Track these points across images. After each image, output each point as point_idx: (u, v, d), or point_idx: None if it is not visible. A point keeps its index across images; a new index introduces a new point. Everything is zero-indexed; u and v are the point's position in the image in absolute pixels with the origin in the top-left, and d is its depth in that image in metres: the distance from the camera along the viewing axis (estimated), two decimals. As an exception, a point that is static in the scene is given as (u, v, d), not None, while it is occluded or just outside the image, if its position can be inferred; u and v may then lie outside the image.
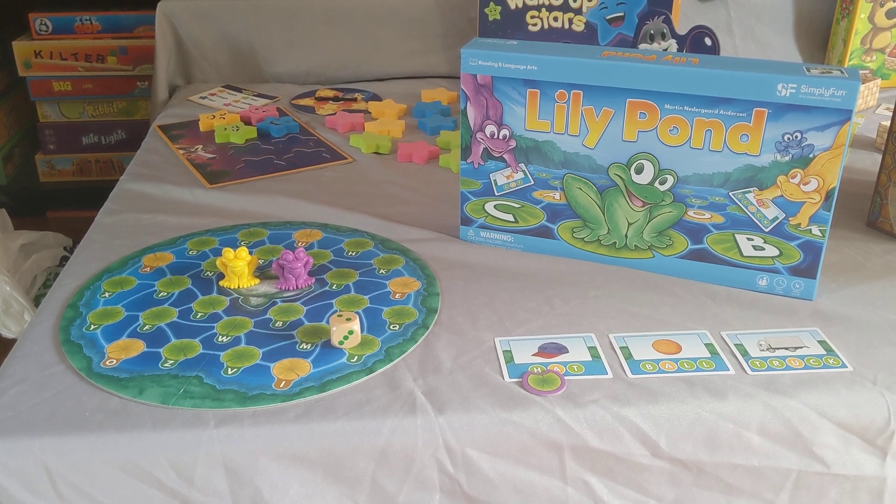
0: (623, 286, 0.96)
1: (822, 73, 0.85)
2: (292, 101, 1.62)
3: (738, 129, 0.89)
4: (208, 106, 1.60)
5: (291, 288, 0.95)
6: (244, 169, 1.30)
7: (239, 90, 1.68)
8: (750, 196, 0.91)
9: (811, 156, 0.87)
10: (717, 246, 0.95)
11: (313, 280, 0.97)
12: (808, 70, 0.86)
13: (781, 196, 0.90)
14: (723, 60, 0.91)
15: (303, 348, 0.84)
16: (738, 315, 0.90)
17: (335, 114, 1.53)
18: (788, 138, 0.87)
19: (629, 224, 0.97)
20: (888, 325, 0.88)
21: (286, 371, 0.81)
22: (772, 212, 0.91)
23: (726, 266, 0.95)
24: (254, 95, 1.65)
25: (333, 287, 0.96)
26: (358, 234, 1.09)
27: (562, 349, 0.85)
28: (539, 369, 0.81)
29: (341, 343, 0.84)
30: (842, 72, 0.86)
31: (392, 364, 0.82)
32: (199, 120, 1.48)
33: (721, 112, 0.88)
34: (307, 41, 1.72)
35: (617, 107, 0.92)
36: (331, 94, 1.65)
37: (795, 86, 0.85)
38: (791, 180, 0.89)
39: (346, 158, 1.34)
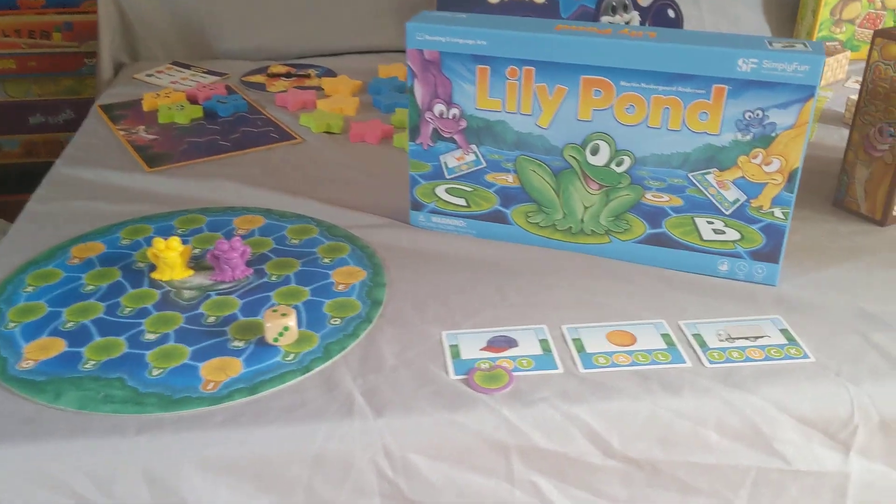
0: (579, 273, 0.92)
1: (785, 47, 0.81)
2: (242, 79, 1.55)
3: (696, 107, 0.84)
4: (154, 84, 1.53)
5: (227, 279, 0.90)
6: (187, 151, 1.24)
7: (187, 67, 1.61)
8: (710, 177, 0.87)
9: (773, 135, 0.83)
10: (676, 230, 0.90)
11: (251, 271, 0.91)
12: (771, 44, 0.82)
13: (742, 177, 0.86)
14: (681, 34, 0.87)
15: (235, 346, 0.79)
16: (698, 302, 0.86)
17: (286, 91, 1.46)
18: (749, 116, 0.83)
19: (585, 208, 0.93)
20: (853, 312, 0.85)
21: (215, 371, 0.76)
22: (732, 194, 0.87)
23: (686, 251, 0.91)
24: (203, 73, 1.58)
25: (273, 278, 0.91)
26: (303, 219, 1.03)
27: (511, 343, 0.80)
28: (487, 365, 0.77)
29: (276, 340, 0.79)
30: (805, 45, 0.81)
31: (330, 362, 0.78)
32: (142, 99, 1.41)
33: (679, 89, 0.84)
34: (259, 15, 1.65)
35: (571, 84, 0.87)
36: (283, 70, 1.59)
37: (756, 61, 0.80)
38: (752, 161, 0.85)
39: (296, 138, 1.29)
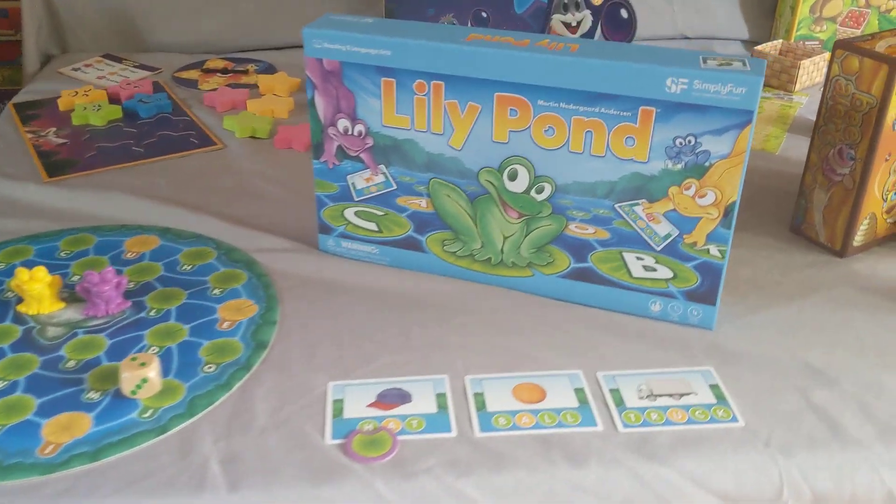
0: (495, 311, 0.83)
1: (721, 65, 0.71)
2: (174, 74, 1.45)
3: (622, 131, 0.75)
4: (79, 79, 1.44)
5: (101, 314, 0.81)
6: (94, 158, 1.14)
7: (119, 60, 1.51)
8: (638, 209, 0.78)
9: (707, 164, 0.74)
10: (603, 265, 0.81)
11: (129, 304, 0.82)
12: (705, 61, 0.72)
13: (674, 210, 0.76)
14: (606, 47, 0.77)
15: (89, 398, 0.71)
16: (621, 350, 0.77)
17: (216, 90, 1.37)
18: (681, 143, 0.73)
19: (504, 238, 0.84)
20: (795, 364, 0.76)
21: (59, 431, 0.67)
22: (664, 228, 0.78)
23: (615, 288, 0.82)
24: (134, 66, 1.48)
25: (152, 313, 0.82)
26: (201, 241, 0.94)
27: (405, 397, 0.71)
28: (371, 426, 0.68)
29: (133, 393, 0.70)
30: (744, 63, 0.72)
31: (192, 420, 0.69)
32: (60, 97, 1.32)
33: (602, 110, 0.74)
34: (197, 3, 1.55)
35: (484, 102, 0.78)
36: (220, 64, 1.49)
37: (687, 81, 0.71)
38: (685, 192, 0.75)
39: (216, 144, 1.19)
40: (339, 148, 0.86)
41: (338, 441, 0.67)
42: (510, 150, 0.79)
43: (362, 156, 0.85)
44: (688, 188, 0.75)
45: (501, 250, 0.84)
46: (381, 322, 0.81)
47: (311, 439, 0.67)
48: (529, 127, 0.77)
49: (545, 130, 0.77)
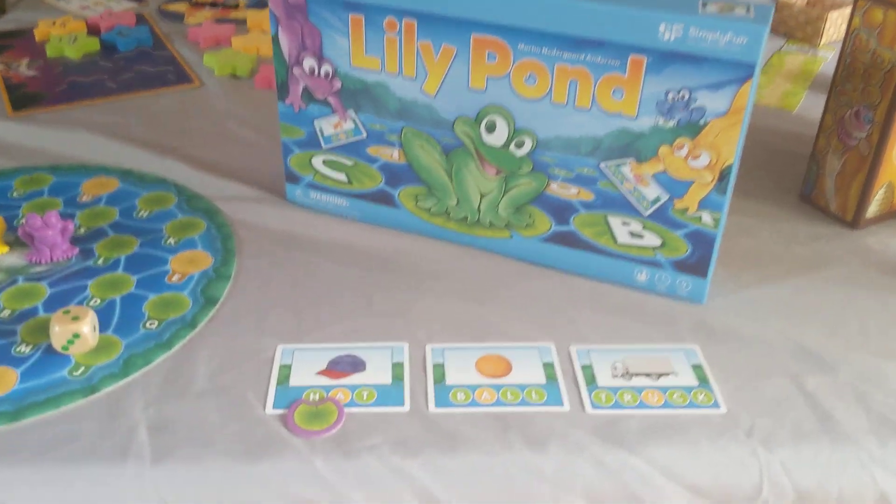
0: (467, 274, 0.77)
1: (722, 9, 0.64)
2: (161, 7, 1.39)
3: (609, 82, 0.68)
4: (62, 9, 1.37)
5: (44, 261, 0.76)
6: (64, 92, 1.09)
7: (105, -11, 1.44)
8: (625, 170, 0.71)
9: (702, 122, 0.67)
10: (586, 229, 0.75)
11: (76, 250, 0.77)
12: (704, 6, 0.65)
13: (664, 172, 0.70)
14: (598, -13, 0.70)
15: (20, 351, 0.66)
16: (600, 322, 0.72)
17: (201, 25, 1.30)
18: (673, 98, 0.66)
19: (481, 195, 0.77)
20: (789, 346, 0.69)
21: (-20, 387, 0.62)
22: (652, 191, 0.71)
23: (598, 254, 0.76)
24: (120, -4, 1.42)
25: (99, 261, 0.77)
26: (163, 186, 0.89)
27: (358, 365, 0.66)
28: (317, 396, 0.63)
29: (65, 349, 0.65)
30: (748, 10, 0.64)
31: (125, 381, 0.64)
32: (36, 27, 1.26)
33: (588, 58, 0.67)
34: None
35: (460, 44, 0.71)
36: (210, -3, 1.42)
37: (682, 27, 0.63)
38: (676, 152, 0.69)
39: (193, 82, 1.13)
40: (305, 90, 0.79)
41: (279, 411, 0.62)
42: (488, 99, 0.72)
43: (330, 99, 0.79)
44: (680, 148, 0.68)
45: (478, 209, 0.78)
46: (343, 282, 0.76)
47: (251, 408, 0.62)
48: (509, 73, 0.70)
49: (526, 78, 0.70)
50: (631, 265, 0.75)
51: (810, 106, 1.13)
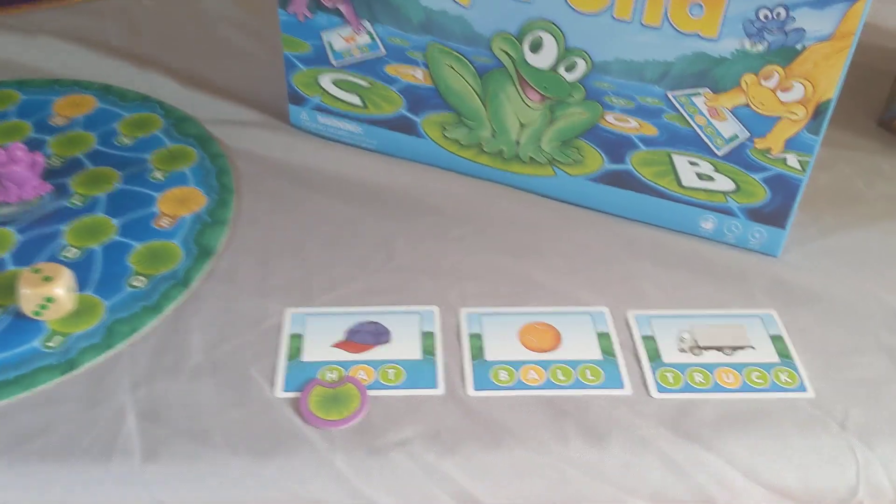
0: (503, 220, 0.67)
1: None
2: None
3: (688, -5, 0.56)
4: None
5: (12, 200, 0.65)
6: (31, -11, 0.95)
7: None
8: (698, 101, 0.60)
9: (799, 47, 0.55)
10: (645, 169, 0.64)
11: (50, 188, 0.67)
12: None
13: (746, 105, 0.59)
14: None
15: (-17, 317, 0.56)
16: (661, 280, 0.62)
17: None
18: (766, 16, 0.55)
19: (522, 126, 0.66)
20: (878, 311, 0.60)
21: (-64, 364, 0.53)
22: (729, 127, 0.60)
23: (657, 198, 0.65)
24: None
25: (76, 201, 0.66)
26: (147, 105, 0.77)
27: (381, 335, 0.57)
28: (334, 374, 0.54)
29: (37, 314, 0.56)
30: None
31: (109, 354, 0.55)
32: None
33: (663, -35, 0.55)
34: None
35: (503, -57, 0.58)
36: None
37: (788, -72, 0.51)
38: (763, 82, 0.57)
39: (179, -22, 0.99)
40: (314, -4, 0.67)
41: (290, 394, 0.53)
42: (534, 12, 0.60)
43: (340, 7, 0.66)
44: (768, 77, 0.57)
45: (517, 141, 0.67)
46: (359, 229, 0.66)
47: (257, 389, 0.53)
48: (563, -18, 0.58)
49: (584, -12, 0.58)
50: (696, 212, 0.65)
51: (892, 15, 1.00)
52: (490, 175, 0.70)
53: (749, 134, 0.60)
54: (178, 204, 0.66)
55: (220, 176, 0.69)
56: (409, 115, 0.70)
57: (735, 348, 0.57)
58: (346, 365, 0.54)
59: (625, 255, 0.64)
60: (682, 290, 0.61)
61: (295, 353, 0.55)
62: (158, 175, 0.69)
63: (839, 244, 0.66)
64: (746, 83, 0.58)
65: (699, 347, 0.57)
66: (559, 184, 0.68)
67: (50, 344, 0.55)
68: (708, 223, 0.65)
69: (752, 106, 0.58)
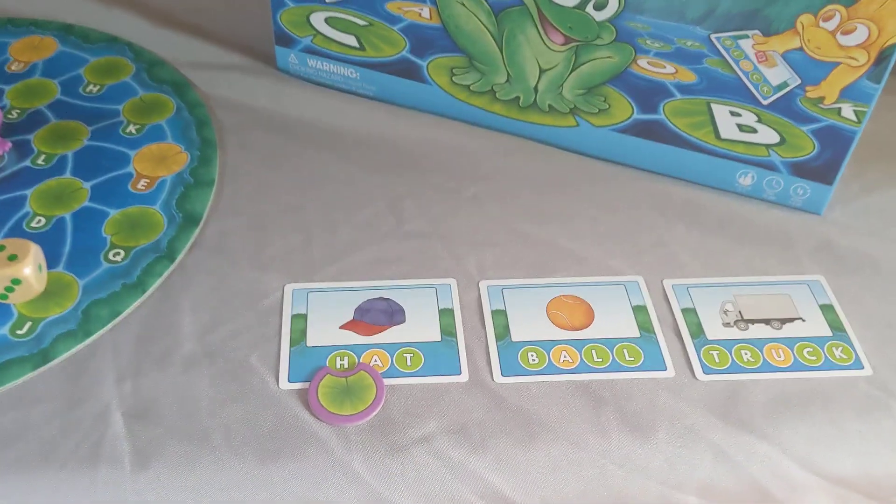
0: (522, 177, 0.61)
1: None
2: None
3: (742, -77, 0.49)
4: None
5: (-34, 162, 0.58)
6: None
7: None
8: (745, 44, 0.53)
9: (868, -16, 0.49)
10: (679, 119, 0.58)
11: (9, 145, 0.59)
12: None
13: (800, 49, 0.52)
14: None
15: (-60, 301, 0.50)
16: (697, 243, 0.57)
17: None
18: (833, -52, 0.48)
19: (542, 71, 0.60)
20: (938, 276, 0.56)
21: None
22: (779, 73, 0.54)
23: (692, 152, 0.59)
24: None
25: (40, 161, 0.59)
26: (115, 48, 0.69)
27: (395, 314, 0.51)
28: (345, 361, 0.48)
29: (3, 297, 0.49)
30: None
31: (88, 342, 0.48)
32: None
33: None
34: None
35: None
36: None
37: None
38: (822, 24, 0.51)
39: None
40: (305, -77, 0.59)
41: (297, 385, 0.47)
42: (562, -57, 0.53)
43: (338, -63, 0.59)
44: (828, 18, 0.51)
45: (535, 88, 0.61)
46: (361, 188, 0.59)
47: (259, 381, 0.47)
48: None
49: (620, -86, 0.51)
50: (733, 166, 0.59)
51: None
52: (504, 126, 0.64)
53: (800, 81, 0.54)
54: (156, 163, 0.59)
55: (201, 129, 0.62)
56: (412, 58, 0.63)
57: (784, 321, 0.52)
58: (357, 350, 0.49)
59: (656, 215, 0.59)
60: (720, 254, 0.56)
61: (299, 336, 0.49)
62: (132, 129, 0.62)
63: (885, 202, 0.61)
64: (802, 24, 0.51)
65: (744, 321, 0.52)
66: (582, 135, 0.62)
67: (20, 332, 0.48)
68: (746, 179, 0.59)
69: (807, 50, 0.52)
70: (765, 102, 0.55)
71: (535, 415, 0.47)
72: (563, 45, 0.58)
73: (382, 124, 0.64)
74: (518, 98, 0.62)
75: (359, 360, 0.48)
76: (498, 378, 0.48)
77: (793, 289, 0.54)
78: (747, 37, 0.53)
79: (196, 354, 0.48)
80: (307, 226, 0.56)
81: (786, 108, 0.55)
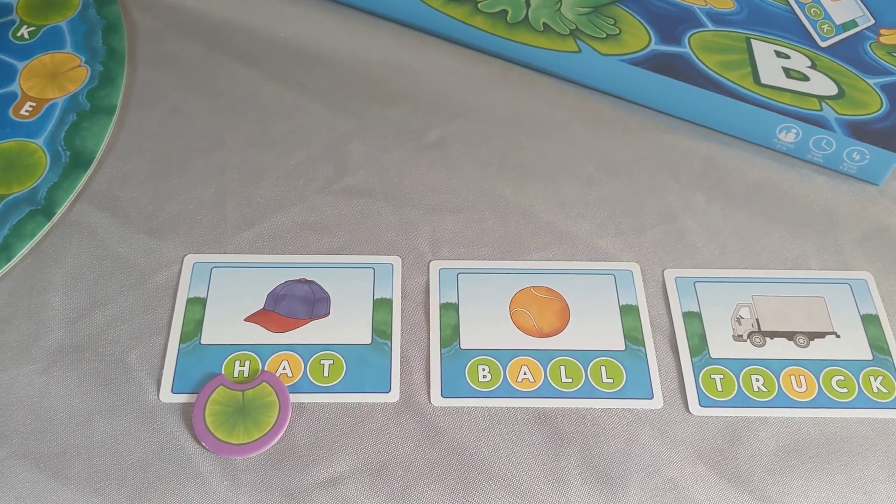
0: (503, 116, 0.50)
1: None
2: None
3: None
4: None
5: None
6: None
7: None
8: (804, -32, 0.41)
9: None
10: (709, 55, 0.46)
11: None
12: None
13: (878, -21, 0.40)
14: None
15: None
16: (715, 218, 0.46)
17: None
18: None
19: (534, -20, 0.48)
20: None
21: None
22: (846, 10, 0.42)
23: (722, 97, 0.48)
24: None
25: None
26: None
27: (317, 303, 0.42)
28: (245, 367, 0.40)
29: None
30: None
31: (-73, 329, 0.40)
32: None
33: None
34: None
35: None
36: None
37: None
38: (913, -53, 0.38)
39: None
40: None
41: (183, 397, 0.39)
42: None
43: None
44: (922, -62, 0.38)
45: (527, 1, 0.49)
46: (297, 124, 0.49)
47: (136, 388, 0.39)
48: None
49: None
50: (774, 119, 0.48)
51: None
52: (486, 44, 0.52)
53: (874, 22, 0.41)
54: (48, 80, 0.49)
55: (108, 34, 0.51)
56: (374, -49, 0.51)
57: (812, 335, 0.42)
58: (263, 352, 0.40)
59: (667, 178, 0.48)
60: (744, 236, 0.46)
61: (193, 330, 0.41)
62: (24, 33, 0.51)
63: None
64: (884, -55, 0.39)
65: (761, 333, 0.42)
66: (583, 64, 0.50)
67: None
68: (789, 135, 0.48)
69: (887, -20, 0.40)
70: (823, 44, 0.43)
71: (478, 454, 0.38)
72: (562, -52, 0.45)
73: (332, 36, 0.53)
74: (505, 11, 0.50)
75: (262, 366, 0.40)
76: (436, 399, 0.39)
77: (829, 289, 0.44)
78: (807, -44, 0.40)
79: (63, 347, 0.40)
80: (222, 172, 0.47)
81: (850, 53, 0.43)
